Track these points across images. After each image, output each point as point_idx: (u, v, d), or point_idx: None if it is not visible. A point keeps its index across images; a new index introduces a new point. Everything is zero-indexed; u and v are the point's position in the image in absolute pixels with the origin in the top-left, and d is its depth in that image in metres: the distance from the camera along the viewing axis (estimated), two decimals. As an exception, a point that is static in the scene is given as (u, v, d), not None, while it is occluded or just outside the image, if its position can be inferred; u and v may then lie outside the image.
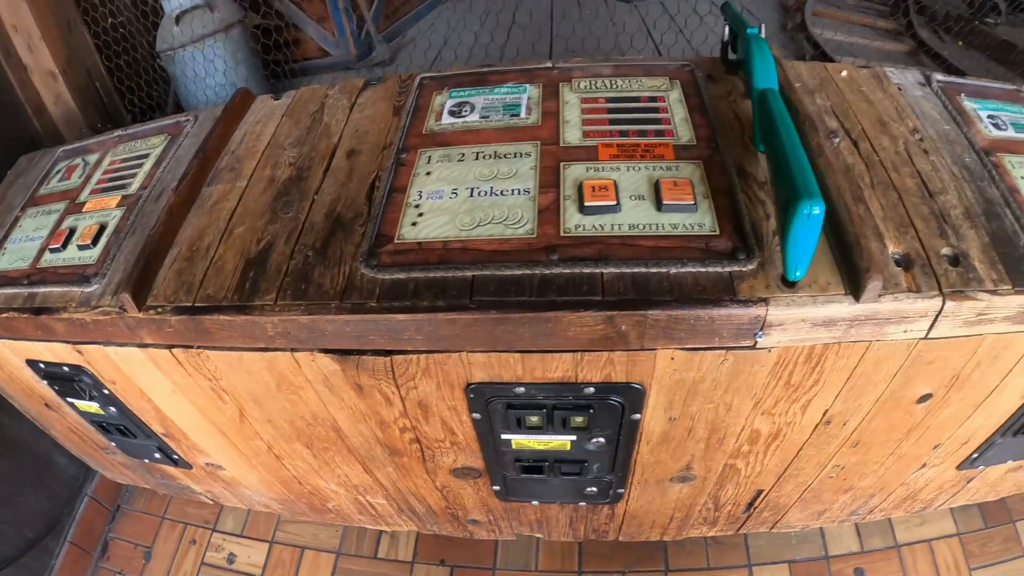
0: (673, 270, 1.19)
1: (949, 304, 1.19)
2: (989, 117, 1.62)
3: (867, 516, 2.24)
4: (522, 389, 1.36)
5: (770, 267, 1.20)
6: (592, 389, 1.34)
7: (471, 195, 1.34)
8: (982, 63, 4.25)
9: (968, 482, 2.14)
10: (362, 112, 1.69)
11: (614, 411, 1.38)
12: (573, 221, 1.26)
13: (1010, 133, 1.58)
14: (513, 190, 1.34)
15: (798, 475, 1.75)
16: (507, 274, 1.22)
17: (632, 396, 1.35)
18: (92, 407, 1.79)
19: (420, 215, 1.33)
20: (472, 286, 1.22)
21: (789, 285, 1.16)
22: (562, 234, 1.25)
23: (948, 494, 2.23)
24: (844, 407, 1.46)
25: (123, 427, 1.86)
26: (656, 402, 1.38)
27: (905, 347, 1.28)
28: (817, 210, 0.97)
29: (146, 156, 1.76)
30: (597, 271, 1.20)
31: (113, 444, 2.04)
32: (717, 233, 1.23)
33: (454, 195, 1.35)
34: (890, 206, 1.34)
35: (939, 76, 1.70)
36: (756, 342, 1.21)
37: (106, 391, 1.68)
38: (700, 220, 1.25)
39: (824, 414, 1.47)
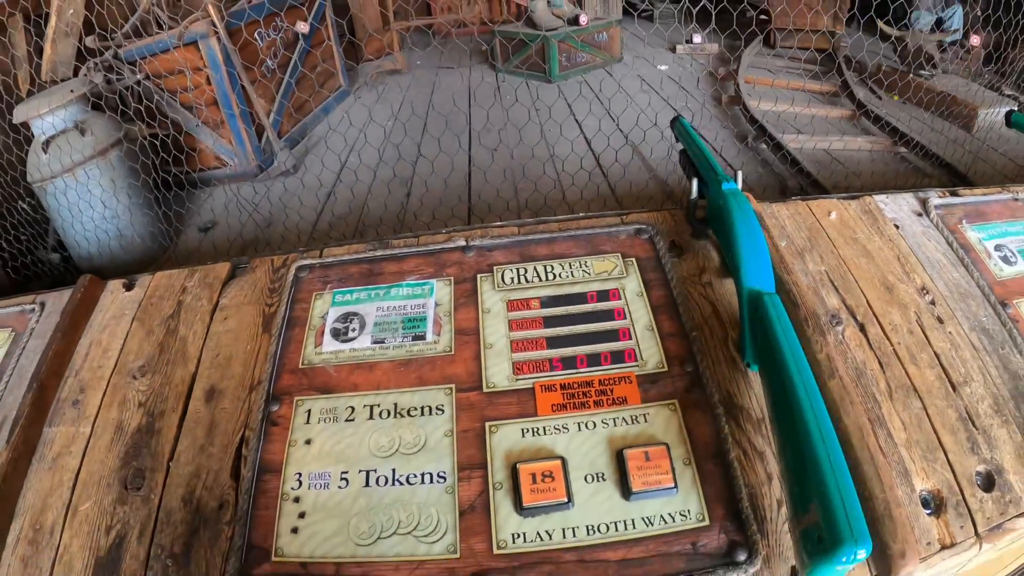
0: (649, 593, 0.86)
1: (986, 545, 1.05)
2: (996, 249, 1.54)
3: None
4: None
5: (777, 561, 0.93)
6: None
7: (367, 483, 0.97)
8: (920, 117, 4.15)
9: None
10: (225, 323, 1.33)
11: None
12: (509, 528, 0.91)
13: (1020, 266, 1.49)
14: (423, 476, 0.96)
15: None
16: (424, 625, 0.86)
17: None
18: None
19: (302, 515, 0.96)
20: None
21: None
22: (496, 551, 0.90)
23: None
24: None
25: None
26: None
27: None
28: (863, 553, 0.75)
29: (-14, 362, 1.42)
30: (546, 609, 0.86)
31: None
32: (706, 524, 0.93)
33: (344, 482, 0.98)
34: (914, 422, 1.15)
35: (935, 199, 1.61)
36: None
37: None
38: (683, 506, 0.93)
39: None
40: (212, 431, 1.16)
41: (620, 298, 1.18)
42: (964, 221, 1.60)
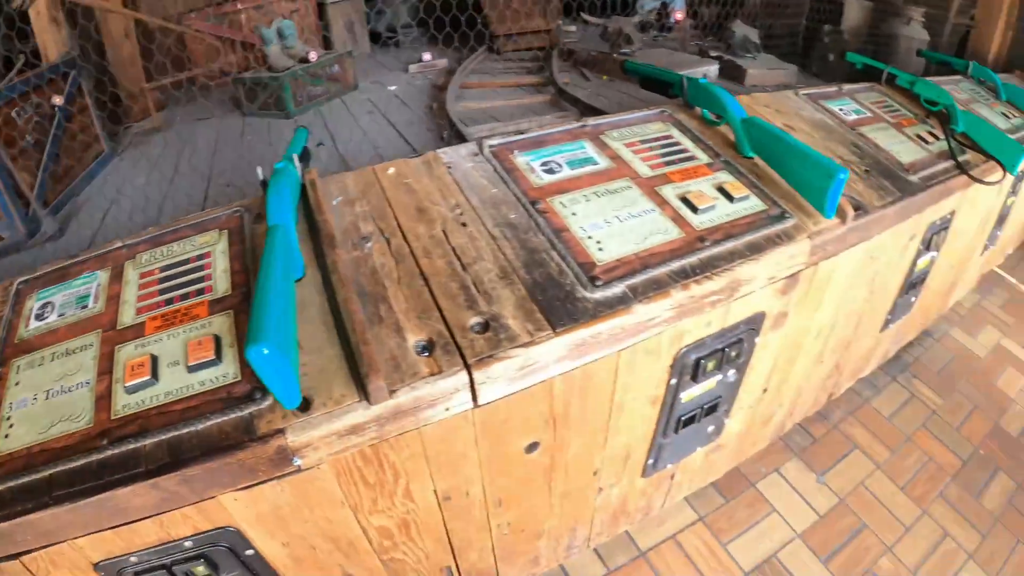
0: (200, 426, 1.23)
1: (477, 373, 1.25)
2: (542, 165, 1.67)
3: (588, 543, 2.17)
4: (135, 558, 1.34)
5: (286, 401, 1.22)
6: (191, 543, 1.35)
7: (47, 398, 1.36)
8: (623, 89, 4.77)
9: (671, 478, 2.17)
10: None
11: (228, 554, 1.40)
12: (121, 402, 1.31)
13: (564, 173, 1.65)
14: (77, 384, 1.37)
15: (470, 544, 1.74)
16: (73, 466, 1.21)
17: (231, 537, 1.38)
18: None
19: (11, 426, 1.32)
20: (51, 484, 1.20)
21: (303, 409, 1.22)
22: (112, 417, 1.28)
23: (658, 497, 2.25)
24: (451, 482, 1.50)
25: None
26: (257, 534, 1.39)
27: (463, 418, 1.35)
28: (267, 350, 1.06)
29: None
30: (140, 445, 1.22)
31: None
32: (239, 379, 1.30)
33: (34, 400, 1.36)
34: (414, 296, 1.39)
35: (492, 141, 1.79)
36: (298, 467, 1.25)
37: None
38: (225, 371, 1.33)
39: (436, 493, 1.50)
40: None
41: (211, 256, 1.66)
42: (516, 151, 1.73)
